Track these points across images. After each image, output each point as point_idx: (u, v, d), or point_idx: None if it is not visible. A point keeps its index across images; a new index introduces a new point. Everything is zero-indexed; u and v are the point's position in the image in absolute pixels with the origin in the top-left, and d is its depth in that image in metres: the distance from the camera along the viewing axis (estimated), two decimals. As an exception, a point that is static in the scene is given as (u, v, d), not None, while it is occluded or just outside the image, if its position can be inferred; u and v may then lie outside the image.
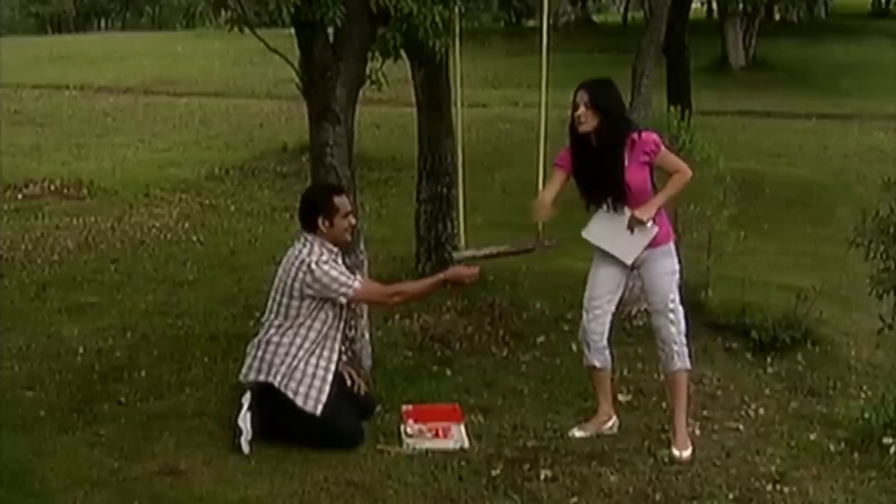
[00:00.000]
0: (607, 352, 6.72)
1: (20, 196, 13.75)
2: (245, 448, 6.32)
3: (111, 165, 16.30)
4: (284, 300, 6.51)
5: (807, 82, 25.61)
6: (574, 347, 7.94)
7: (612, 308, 6.69)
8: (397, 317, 8.53)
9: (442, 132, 9.32)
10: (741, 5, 27.93)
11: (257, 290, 8.77)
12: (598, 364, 6.69)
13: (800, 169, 16.14)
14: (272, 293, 6.61)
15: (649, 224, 6.42)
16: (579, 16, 37.76)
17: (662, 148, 6.50)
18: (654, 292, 6.55)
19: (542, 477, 6.08)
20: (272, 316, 6.58)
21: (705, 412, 7.02)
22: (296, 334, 6.49)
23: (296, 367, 6.47)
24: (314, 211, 6.57)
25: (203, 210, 13.28)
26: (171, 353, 7.99)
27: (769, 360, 7.86)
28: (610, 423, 6.79)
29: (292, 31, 6.97)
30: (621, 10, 43.18)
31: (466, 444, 6.47)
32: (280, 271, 6.58)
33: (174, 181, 14.90)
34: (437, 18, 6.68)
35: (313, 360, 6.50)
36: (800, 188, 14.66)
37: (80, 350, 8.11)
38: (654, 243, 6.47)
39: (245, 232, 12.04)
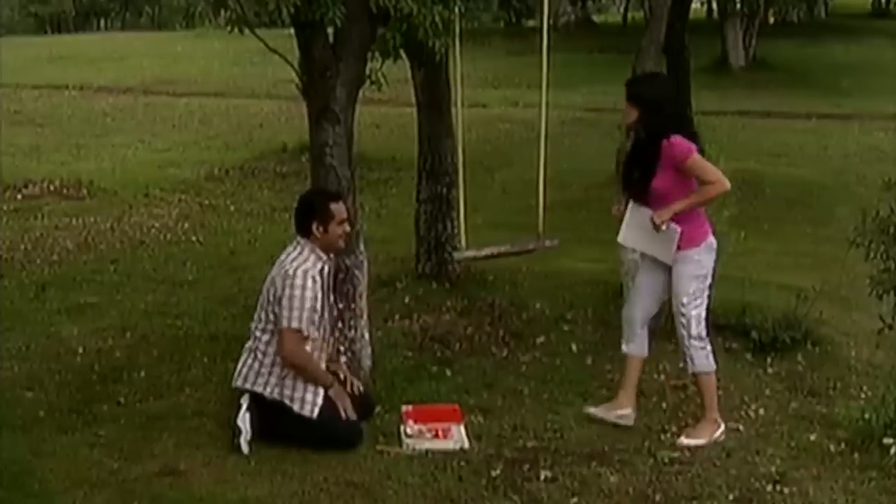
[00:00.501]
0: (644, 340, 6.89)
1: (20, 196, 13.71)
2: (244, 448, 6.32)
3: (111, 166, 16.27)
4: (266, 305, 6.52)
5: (807, 82, 25.56)
6: (574, 347, 7.98)
7: (655, 302, 6.91)
8: (397, 317, 8.53)
9: (442, 132, 9.31)
10: (740, 6, 27.87)
11: (257, 290, 8.59)
12: (626, 350, 6.89)
13: (800, 169, 16.11)
14: (261, 297, 6.61)
15: (664, 227, 6.45)
16: (579, 16, 37.66)
17: (693, 156, 6.50)
18: (672, 294, 6.70)
19: (542, 477, 6.08)
20: (258, 320, 6.60)
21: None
22: (276, 354, 6.48)
23: (286, 376, 6.47)
24: (309, 215, 6.56)
25: (203, 210, 13.25)
26: (170, 353, 7.98)
27: (769, 360, 7.85)
28: (622, 412, 6.82)
29: (292, 31, 6.96)
30: (621, 10, 43.08)
31: (466, 445, 6.47)
32: (271, 274, 6.59)
33: (174, 181, 14.86)
34: (437, 18, 6.67)
35: (299, 381, 6.49)
36: (800, 188, 14.62)
37: (80, 350, 8.10)
38: (679, 246, 6.56)
39: (245, 232, 12.03)
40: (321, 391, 6.48)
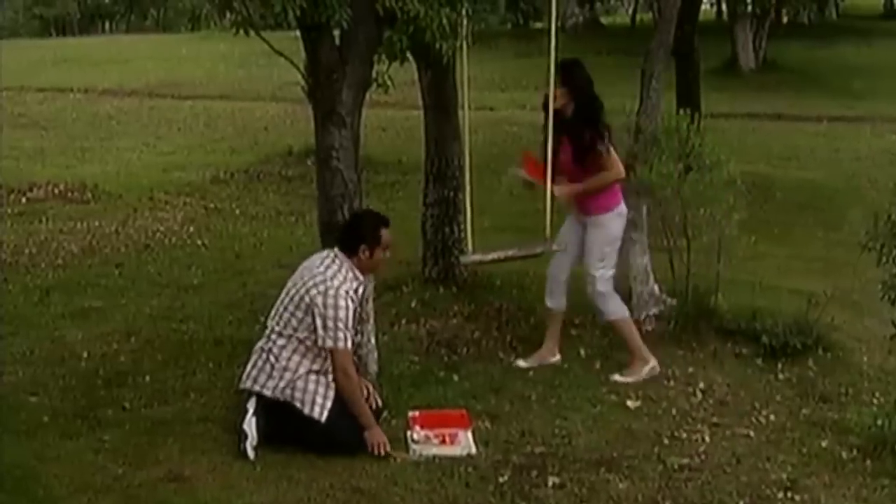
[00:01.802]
0: (563, 298, 7.80)
1: (24, 200, 13.69)
2: (250, 453, 6.28)
3: (115, 169, 16.25)
4: (291, 308, 6.47)
5: (818, 84, 25.50)
6: (582, 352, 7.93)
7: (571, 259, 7.71)
8: (403, 321, 8.50)
9: (449, 135, 9.27)
10: (751, 7, 27.78)
11: (262, 294, 8.73)
12: (550, 305, 7.80)
13: (811, 172, 16.05)
14: (282, 297, 6.57)
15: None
16: (587, 17, 37.61)
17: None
18: (585, 255, 7.64)
19: (550, 484, 6.04)
20: (275, 323, 6.55)
21: (715, 418, 6.97)
22: (294, 350, 6.46)
23: (297, 380, 6.44)
24: (360, 237, 6.56)
25: (208, 214, 13.22)
26: (175, 358, 7.94)
27: (780, 365, 7.79)
28: (552, 359, 7.75)
29: (298, 33, 6.94)
30: (629, 11, 43.05)
31: (473, 451, 6.43)
32: (296, 278, 6.56)
33: (179, 185, 14.83)
34: (444, 21, 6.65)
35: (313, 377, 6.47)
36: (811, 192, 14.56)
37: (84, 355, 8.06)
38: (587, 211, 7.54)
39: (250, 236, 11.99)
40: (331, 395, 6.44)
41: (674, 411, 7.04)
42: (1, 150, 16.81)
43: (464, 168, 7.83)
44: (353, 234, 6.59)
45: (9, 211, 13.07)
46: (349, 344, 6.40)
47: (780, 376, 7.68)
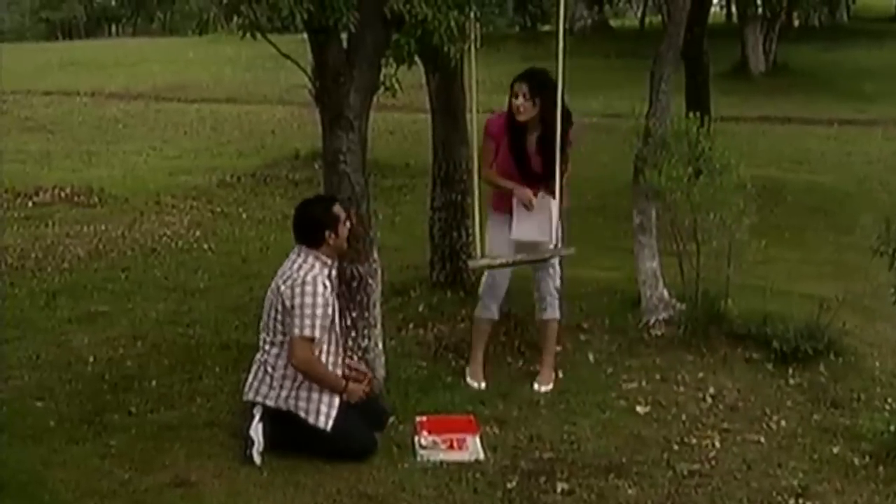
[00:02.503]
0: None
1: (30, 204, 13.73)
2: (256, 459, 6.27)
3: (122, 173, 16.28)
4: (273, 314, 6.45)
5: (829, 87, 25.45)
6: (591, 357, 7.89)
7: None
8: (411, 326, 8.48)
9: (456, 139, 9.24)
10: (761, 9, 27.72)
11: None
12: (487, 316, 7.67)
13: (822, 176, 16.02)
14: (266, 308, 6.55)
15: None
16: (596, 20, 37.58)
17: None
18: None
19: (559, 490, 6.02)
20: (265, 334, 6.54)
21: (725, 424, 6.93)
22: (287, 365, 6.42)
23: (299, 387, 6.41)
24: (319, 226, 6.51)
25: (214, 218, 13.22)
26: (182, 362, 7.92)
27: (791, 371, 7.73)
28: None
29: (305, 36, 6.91)
30: (638, 14, 43.02)
31: (481, 456, 6.40)
32: (272, 286, 6.52)
33: (185, 188, 14.85)
34: (453, 23, 6.62)
35: (315, 393, 6.43)
36: (822, 195, 14.52)
37: (91, 359, 8.04)
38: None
39: (257, 240, 11.97)
40: (336, 402, 6.41)
41: (683, 417, 7.00)
42: (7, 154, 16.83)
43: (472, 172, 7.78)
44: (312, 227, 6.54)
45: (15, 215, 13.10)
46: (312, 332, 6.29)
47: (791, 382, 7.62)
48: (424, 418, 6.74)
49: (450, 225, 9.30)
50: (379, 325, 7.23)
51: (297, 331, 6.29)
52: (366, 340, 7.11)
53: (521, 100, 7.21)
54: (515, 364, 7.93)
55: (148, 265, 10.98)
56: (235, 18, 6.95)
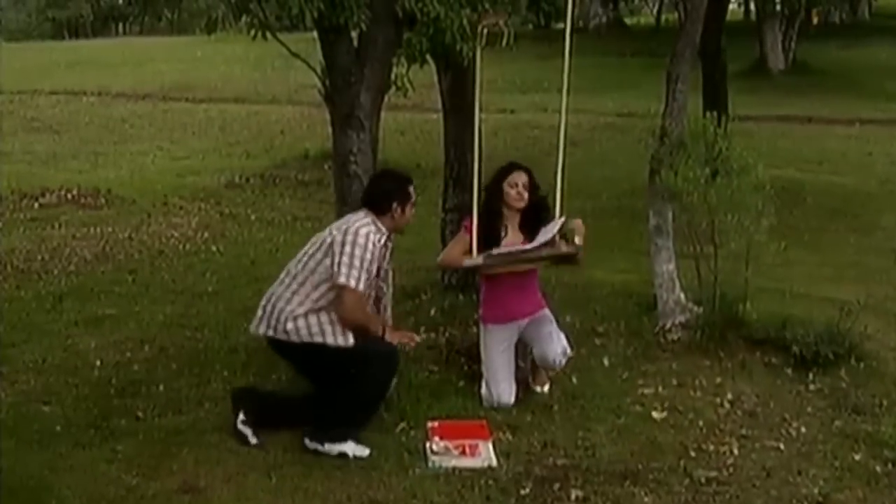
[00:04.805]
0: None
1: (36, 205, 13.78)
2: (252, 441, 6.44)
3: (129, 173, 16.33)
4: (311, 251, 6.47)
5: (850, 86, 25.42)
6: (606, 362, 7.84)
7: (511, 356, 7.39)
8: (422, 330, 8.36)
9: (469, 139, 9.12)
10: (780, 6, 27.63)
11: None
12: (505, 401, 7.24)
13: (842, 177, 15.97)
14: (306, 248, 6.54)
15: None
16: (611, 18, 37.61)
17: None
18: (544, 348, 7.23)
19: (573, 497, 5.94)
20: (293, 266, 6.52)
21: (744, 430, 6.84)
22: (308, 296, 6.41)
23: (314, 323, 6.39)
24: (392, 195, 6.58)
25: (223, 219, 13.24)
26: (189, 366, 7.87)
27: (811, 376, 7.64)
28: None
29: (315, 34, 6.86)
30: (654, 12, 43.04)
31: (494, 463, 6.32)
32: (324, 233, 6.53)
33: (193, 189, 14.87)
34: (465, 22, 6.58)
35: (325, 316, 6.41)
36: (842, 197, 14.47)
37: (97, 363, 8.00)
38: (533, 310, 7.30)
39: (266, 242, 11.97)
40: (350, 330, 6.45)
41: (701, 423, 6.91)
42: (13, 155, 16.85)
43: (472, 171, 7.69)
44: (386, 193, 6.60)
45: (21, 216, 13.18)
46: (360, 286, 6.31)
47: (812, 387, 7.53)
48: (436, 424, 6.67)
49: (462, 226, 9.19)
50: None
51: (342, 279, 6.28)
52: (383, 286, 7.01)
53: (520, 188, 7.15)
54: (528, 368, 7.81)
55: (155, 267, 11.00)
56: (244, 17, 6.97)
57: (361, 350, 6.39)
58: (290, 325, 6.39)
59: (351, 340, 6.39)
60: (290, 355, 6.61)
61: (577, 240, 7.04)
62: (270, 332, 6.48)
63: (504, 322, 7.27)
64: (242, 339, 8.40)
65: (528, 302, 7.30)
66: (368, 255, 6.33)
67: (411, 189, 6.67)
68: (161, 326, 8.94)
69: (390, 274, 7.00)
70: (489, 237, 7.16)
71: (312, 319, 6.39)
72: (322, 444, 6.39)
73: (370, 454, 6.36)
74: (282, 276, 6.57)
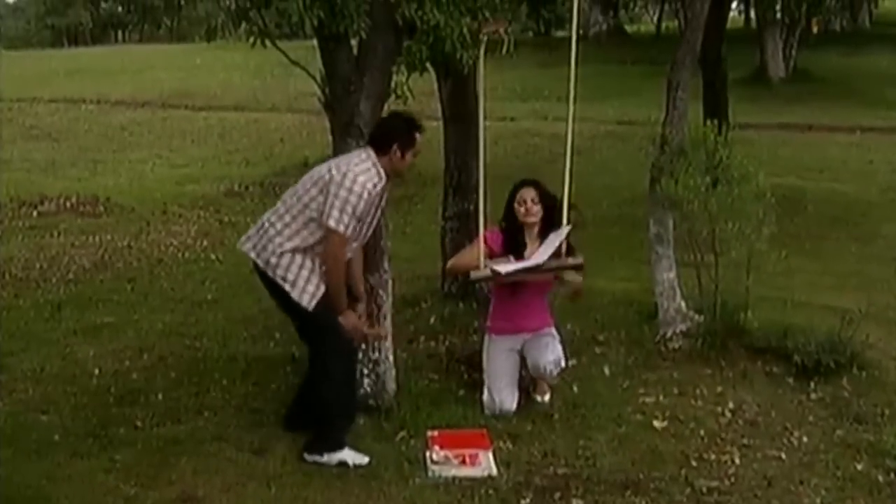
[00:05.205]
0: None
1: (35, 213, 13.79)
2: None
3: (128, 181, 16.33)
4: (308, 185, 6.40)
5: (850, 94, 25.39)
6: (607, 370, 7.81)
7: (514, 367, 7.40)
8: (422, 338, 8.41)
9: (469, 147, 9.15)
10: (780, 14, 27.61)
11: (278, 310, 8.58)
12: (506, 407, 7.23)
13: (843, 184, 15.92)
14: (304, 179, 6.50)
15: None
16: (611, 25, 37.59)
17: None
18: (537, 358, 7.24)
19: (574, 506, 5.90)
20: (288, 196, 6.47)
21: (745, 440, 6.81)
22: (297, 233, 6.35)
23: (291, 263, 6.33)
24: (396, 136, 6.49)
25: (222, 227, 13.23)
26: (188, 375, 7.84)
27: (813, 385, 7.60)
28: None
29: (315, 42, 6.85)
30: (654, 19, 43.06)
31: (494, 472, 6.29)
32: (323, 167, 6.48)
33: (192, 197, 14.87)
34: (465, 30, 6.56)
35: (308, 263, 6.35)
36: (844, 205, 14.43)
37: (96, 372, 7.98)
38: (539, 326, 7.35)
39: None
40: (323, 287, 6.35)
41: (702, 432, 6.88)
42: (12, 163, 16.84)
43: (478, 180, 7.67)
44: (387, 133, 6.52)
45: (20, 225, 13.18)
46: (348, 231, 6.26)
47: (813, 396, 7.50)
48: (436, 433, 6.65)
49: (462, 235, 9.18)
50: (389, 338, 7.15)
51: (332, 223, 6.24)
52: (376, 353, 7.02)
53: (528, 204, 7.19)
54: (528, 376, 7.79)
55: (154, 276, 10.99)
56: (243, 25, 6.94)
57: (319, 319, 6.38)
58: (273, 259, 6.34)
59: (312, 304, 6.30)
60: (266, 285, 6.48)
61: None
62: (254, 255, 6.43)
63: (509, 333, 7.29)
64: (242, 347, 8.46)
65: (535, 318, 7.33)
66: (362, 205, 6.26)
67: (418, 136, 6.60)
68: (160, 335, 8.92)
69: (381, 222, 6.91)
70: (511, 250, 7.22)
71: (294, 262, 6.32)
72: (321, 455, 6.36)
73: (370, 462, 6.33)
74: (278, 204, 6.52)
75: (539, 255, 7.06)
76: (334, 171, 6.31)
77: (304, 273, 6.32)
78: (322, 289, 6.34)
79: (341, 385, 6.50)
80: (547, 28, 37.47)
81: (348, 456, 6.35)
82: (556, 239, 7.05)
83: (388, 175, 6.47)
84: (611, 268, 9.94)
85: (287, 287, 6.31)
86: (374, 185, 6.35)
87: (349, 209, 6.22)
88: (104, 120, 23.10)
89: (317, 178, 6.37)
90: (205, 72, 30.52)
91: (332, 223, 6.22)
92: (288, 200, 6.45)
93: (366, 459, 6.35)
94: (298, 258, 6.32)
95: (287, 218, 6.39)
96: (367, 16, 6.51)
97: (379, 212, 6.64)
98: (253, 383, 7.51)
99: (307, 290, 6.31)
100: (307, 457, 6.39)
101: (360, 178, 6.27)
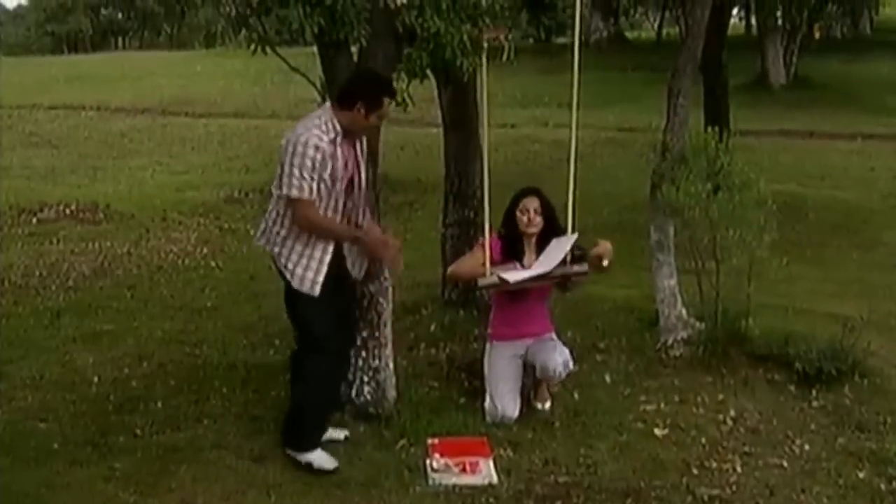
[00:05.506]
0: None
1: (34, 220, 13.76)
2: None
3: (128, 188, 16.32)
4: (280, 167, 6.27)
5: (851, 100, 25.39)
6: (608, 378, 7.78)
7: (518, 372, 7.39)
8: (423, 346, 8.39)
9: (469, 154, 9.15)
10: (781, 21, 27.61)
11: (277, 317, 8.58)
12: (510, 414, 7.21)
13: (845, 191, 15.91)
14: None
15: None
16: (611, 32, 37.62)
17: None
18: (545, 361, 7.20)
19: (575, 515, 5.88)
20: (274, 186, 6.39)
21: (746, 448, 6.79)
22: (283, 214, 6.32)
23: (293, 247, 6.30)
24: (357, 96, 6.24)
25: (222, 234, 13.22)
26: (188, 382, 7.82)
27: (814, 392, 7.58)
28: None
29: (315, 49, 6.84)
30: (655, 26, 43.07)
31: (495, 480, 6.28)
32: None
33: (192, 204, 14.86)
34: (465, 37, 6.54)
35: (299, 246, 6.30)
36: (845, 212, 14.41)
37: (95, 379, 7.95)
38: (541, 331, 7.39)
39: (265, 257, 11.76)
40: (323, 270, 6.28)
41: (703, 440, 6.86)
42: (11, 170, 16.84)
43: (481, 188, 7.66)
44: (353, 90, 6.30)
45: (19, 232, 13.17)
46: (311, 194, 6.13)
47: (815, 404, 7.47)
48: (436, 440, 6.63)
49: (462, 242, 9.16)
50: (390, 345, 7.12)
51: (289, 190, 6.15)
52: (376, 360, 7.00)
53: (531, 213, 7.16)
54: (530, 384, 7.77)
55: (154, 283, 10.96)
56: (243, 31, 6.93)
57: (300, 328, 6.43)
58: (276, 249, 6.33)
59: (304, 287, 6.26)
60: (280, 275, 6.42)
61: (605, 263, 7.07)
62: (268, 247, 6.40)
63: (512, 339, 7.28)
64: (241, 355, 8.43)
65: (536, 323, 7.34)
66: (309, 163, 6.09)
67: (385, 100, 6.30)
68: (159, 342, 8.89)
69: (363, 187, 6.67)
70: (509, 258, 7.21)
71: (292, 249, 6.29)
72: (296, 452, 6.42)
73: (336, 469, 6.31)
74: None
75: (547, 263, 7.05)
76: (283, 141, 6.24)
77: (294, 257, 6.30)
78: (322, 272, 6.27)
79: (316, 388, 6.46)
80: (547, 35, 37.50)
81: (315, 458, 6.35)
82: (559, 246, 7.03)
83: (347, 131, 6.28)
84: (611, 275, 9.79)
85: (288, 276, 6.30)
86: (322, 140, 6.16)
87: (298, 171, 6.08)
88: (104, 127, 23.11)
89: (280, 155, 6.28)
90: (205, 79, 30.55)
91: (289, 191, 6.13)
92: (274, 190, 6.41)
93: (332, 465, 6.34)
94: (290, 242, 6.29)
95: (272, 200, 6.38)
96: (368, 23, 6.49)
97: (347, 171, 6.40)
98: (253, 391, 7.48)
99: (298, 274, 6.28)
100: (288, 451, 6.46)
101: (303, 137, 6.12)
